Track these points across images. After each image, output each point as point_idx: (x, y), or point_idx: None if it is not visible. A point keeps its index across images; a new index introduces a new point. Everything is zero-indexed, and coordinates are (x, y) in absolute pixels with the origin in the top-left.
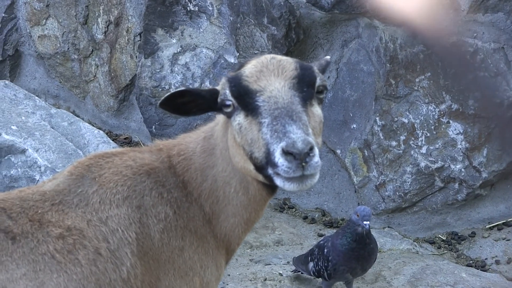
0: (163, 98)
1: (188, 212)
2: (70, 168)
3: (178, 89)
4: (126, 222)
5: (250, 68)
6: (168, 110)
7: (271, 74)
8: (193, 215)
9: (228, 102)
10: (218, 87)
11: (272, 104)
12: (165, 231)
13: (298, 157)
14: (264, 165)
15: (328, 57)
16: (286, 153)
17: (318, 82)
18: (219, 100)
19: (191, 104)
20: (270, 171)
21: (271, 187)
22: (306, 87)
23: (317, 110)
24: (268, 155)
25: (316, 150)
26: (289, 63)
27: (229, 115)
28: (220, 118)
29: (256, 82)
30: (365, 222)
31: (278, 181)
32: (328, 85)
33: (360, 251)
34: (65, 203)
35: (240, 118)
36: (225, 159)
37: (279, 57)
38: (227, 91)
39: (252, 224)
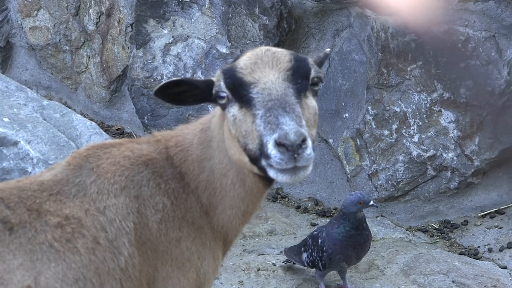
0: (158, 86)
1: (185, 203)
2: (69, 159)
3: (174, 78)
4: (124, 212)
5: (244, 60)
6: (163, 98)
7: (265, 66)
8: (190, 206)
9: (223, 94)
10: (214, 79)
11: (266, 96)
12: (162, 221)
13: (291, 149)
14: (258, 156)
15: (328, 49)
16: (278, 144)
17: (313, 74)
18: (213, 91)
19: (186, 94)
20: (263, 162)
21: (268, 179)
22: (300, 79)
23: (311, 101)
24: (262, 146)
25: (309, 142)
26: (283, 55)
27: (223, 107)
28: (217, 110)
29: (250, 74)
30: (372, 202)
31: (271, 173)
32: None
33: (357, 237)
34: (63, 193)
35: (234, 110)
36: (222, 151)
37: (274, 49)
38: (222, 83)
39: (250, 216)
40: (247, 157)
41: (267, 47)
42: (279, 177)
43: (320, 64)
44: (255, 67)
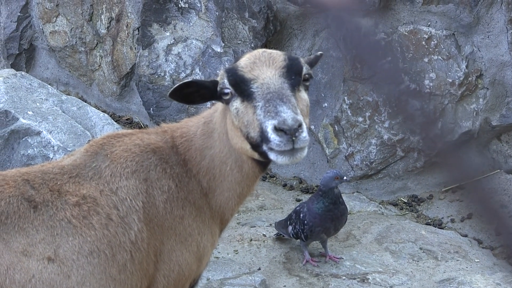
0: (172, 89)
1: (188, 186)
2: (86, 146)
3: (185, 81)
4: (134, 192)
5: (244, 60)
6: (176, 99)
7: (263, 64)
8: (192, 189)
9: (227, 90)
10: (218, 78)
11: (265, 89)
12: (168, 201)
13: (289, 133)
14: (259, 143)
15: (320, 52)
16: (278, 129)
17: (304, 71)
18: (218, 88)
19: (196, 94)
20: (264, 147)
21: (263, 165)
22: (294, 75)
23: (304, 95)
24: (262, 133)
25: (305, 127)
26: (278, 55)
27: (227, 102)
28: (219, 105)
29: (250, 72)
30: (345, 178)
31: (272, 155)
32: None
33: (334, 211)
34: (81, 176)
35: (237, 103)
36: (222, 141)
37: (269, 50)
38: (225, 80)
39: (244, 198)
40: (249, 144)
41: (263, 49)
42: (279, 159)
43: (311, 64)
44: (254, 66)
